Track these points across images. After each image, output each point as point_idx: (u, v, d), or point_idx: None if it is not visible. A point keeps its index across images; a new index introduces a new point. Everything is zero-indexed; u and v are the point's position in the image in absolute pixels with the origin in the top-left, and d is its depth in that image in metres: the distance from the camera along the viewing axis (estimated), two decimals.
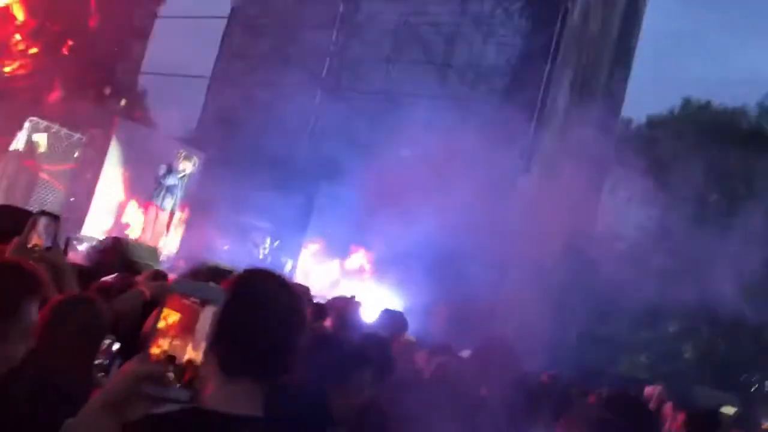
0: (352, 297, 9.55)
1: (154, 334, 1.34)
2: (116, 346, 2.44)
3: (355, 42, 18.48)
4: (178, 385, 1.32)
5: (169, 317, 1.36)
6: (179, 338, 1.35)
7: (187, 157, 10.83)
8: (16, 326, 1.61)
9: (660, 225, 16.70)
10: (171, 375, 1.32)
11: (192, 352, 1.35)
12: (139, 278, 3.92)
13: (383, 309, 9.52)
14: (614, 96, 19.88)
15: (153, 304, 2.89)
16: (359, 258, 15.88)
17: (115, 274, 4.41)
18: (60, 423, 1.30)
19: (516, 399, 2.99)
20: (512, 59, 16.34)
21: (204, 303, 1.36)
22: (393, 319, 7.78)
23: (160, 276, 4.19)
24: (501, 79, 16.28)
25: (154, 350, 1.33)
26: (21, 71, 15.15)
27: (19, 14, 15.07)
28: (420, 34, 17.63)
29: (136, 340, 2.55)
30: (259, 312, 1.63)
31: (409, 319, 8.60)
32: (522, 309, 13.91)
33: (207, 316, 1.37)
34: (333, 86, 18.53)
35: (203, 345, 1.35)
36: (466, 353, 4.51)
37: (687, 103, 24.33)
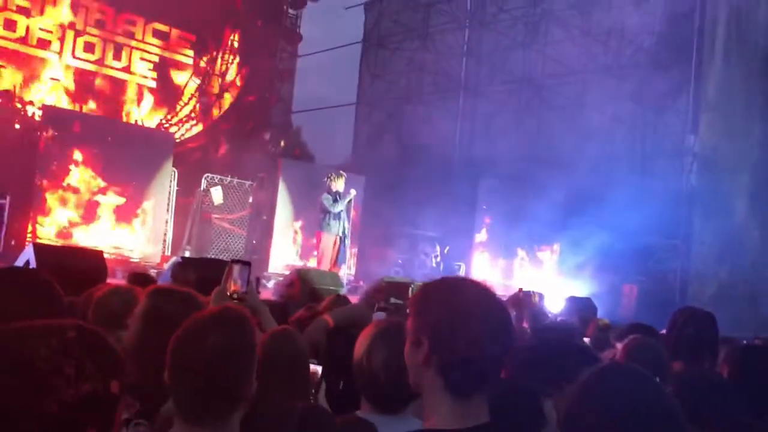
0: (533, 291, 9.36)
1: None
2: (318, 369, 2.57)
3: (487, 35, 18.30)
4: None
5: None
6: None
7: (339, 176, 11.19)
8: None
9: None
10: None
11: None
12: (323, 305, 4.11)
13: (568, 297, 9.26)
14: None
15: (337, 331, 3.00)
16: (533, 252, 15.61)
17: (304, 305, 4.65)
18: None
19: (750, 375, 2.76)
20: (657, 13, 15.38)
21: None
22: (580, 305, 7.54)
23: (341, 300, 4.34)
24: (648, 37, 15.38)
25: None
26: (190, 134, 16.51)
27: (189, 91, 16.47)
28: (553, 11, 17.10)
29: (331, 366, 2.67)
30: (478, 327, 1.54)
31: (597, 303, 8.29)
32: (716, 274, 13.00)
33: None
34: (474, 84, 18.45)
35: None
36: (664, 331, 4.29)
37: None
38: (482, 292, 1.61)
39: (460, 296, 1.59)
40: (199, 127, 16.70)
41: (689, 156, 13.80)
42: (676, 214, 13.45)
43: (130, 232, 13.10)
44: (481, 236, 16.01)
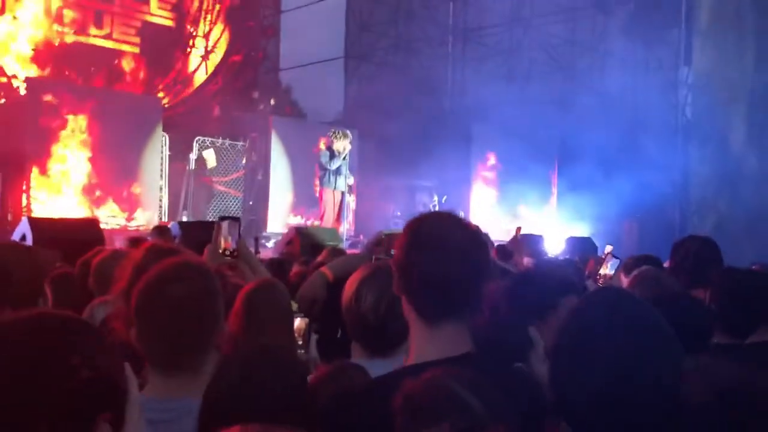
0: (535, 234, 9.37)
1: None
2: (305, 321, 2.51)
3: None
4: None
5: None
6: None
7: (337, 135, 11.10)
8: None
9: None
10: None
11: None
12: (319, 258, 4.10)
13: (568, 237, 9.28)
14: None
15: (337, 282, 2.97)
16: (535, 195, 15.51)
17: (303, 260, 4.64)
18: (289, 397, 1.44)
19: (728, 298, 2.75)
20: None
21: None
22: (580, 244, 7.56)
23: (337, 253, 4.33)
24: None
25: None
26: (179, 99, 16.30)
27: None
28: None
29: (330, 317, 2.64)
30: (438, 253, 1.59)
31: (599, 241, 8.29)
32: (715, 205, 12.99)
33: None
34: (462, 29, 18.14)
35: None
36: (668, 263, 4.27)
37: None
38: (448, 220, 1.68)
39: (424, 224, 1.67)
40: (187, 91, 16.48)
41: (683, 88, 13.66)
42: (673, 148, 13.38)
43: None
44: (479, 182, 15.93)
